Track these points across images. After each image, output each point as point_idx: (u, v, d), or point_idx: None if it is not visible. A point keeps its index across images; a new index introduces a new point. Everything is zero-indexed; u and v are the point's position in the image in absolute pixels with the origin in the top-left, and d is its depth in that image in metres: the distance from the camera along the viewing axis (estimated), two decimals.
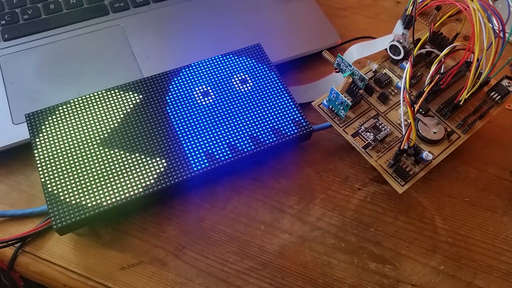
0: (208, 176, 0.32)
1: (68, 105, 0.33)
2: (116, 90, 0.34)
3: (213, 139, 0.32)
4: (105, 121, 0.32)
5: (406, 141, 0.30)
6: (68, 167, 0.30)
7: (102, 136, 0.32)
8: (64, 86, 0.36)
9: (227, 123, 0.33)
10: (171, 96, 0.34)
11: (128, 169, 0.30)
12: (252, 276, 0.31)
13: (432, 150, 0.32)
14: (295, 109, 0.34)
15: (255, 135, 0.33)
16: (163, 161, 0.31)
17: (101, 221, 0.32)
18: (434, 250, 0.32)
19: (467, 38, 0.43)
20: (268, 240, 0.32)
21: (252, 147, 0.32)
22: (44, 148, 0.31)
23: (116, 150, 0.31)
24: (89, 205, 0.29)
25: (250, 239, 0.32)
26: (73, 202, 0.29)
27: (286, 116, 0.34)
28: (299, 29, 0.42)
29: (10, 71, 0.37)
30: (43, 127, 0.32)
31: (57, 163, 0.30)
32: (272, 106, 0.34)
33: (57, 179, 0.30)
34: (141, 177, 0.30)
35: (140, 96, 0.34)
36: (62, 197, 0.29)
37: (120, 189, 0.30)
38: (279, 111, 0.34)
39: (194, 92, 0.35)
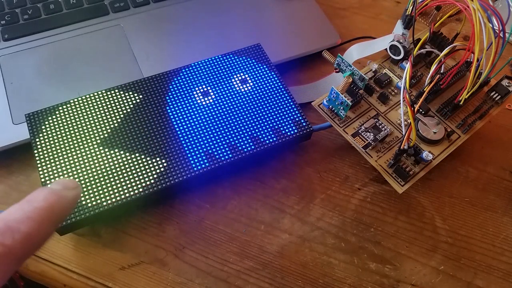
0: (208, 176, 0.32)
1: (68, 105, 0.33)
2: (116, 90, 0.34)
3: (213, 139, 0.32)
4: (105, 121, 0.32)
5: (406, 141, 0.30)
6: (68, 167, 0.30)
7: (102, 136, 0.32)
8: (64, 86, 0.36)
9: (227, 123, 0.33)
10: (171, 96, 0.34)
11: (128, 169, 0.30)
12: (252, 276, 0.31)
13: (432, 150, 0.32)
14: (295, 109, 0.34)
15: (255, 135, 0.33)
16: (163, 161, 0.31)
17: (101, 221, 0.32)
18: (434, 250, 0.32)
19: (467, 38, 0.43)
20: (268, 240, 0.32)
21: (252, 147, 0.32)
22: (44, 148, 0.31)
23: (116, 150, 0.31)
24: (89, 205, 0.29)
25: (250, 239, 0.32)
26: None
27: (286, 116, 0.34)
28: (299, 29, 0.42)
29: (10, 71, 0.37)
30: (43, 127, 0.32)
31: (57, 163, 0.30)
32: (272, 106, 0.34)
33: (57, 179, 0.30)
34: (141, 177, 0.30)
35: (140, 96, 0.34)
36: None
37: (120, 189, 0.30)
38: (279, 111, 0.34)
39: (194, 92, 0.35)
